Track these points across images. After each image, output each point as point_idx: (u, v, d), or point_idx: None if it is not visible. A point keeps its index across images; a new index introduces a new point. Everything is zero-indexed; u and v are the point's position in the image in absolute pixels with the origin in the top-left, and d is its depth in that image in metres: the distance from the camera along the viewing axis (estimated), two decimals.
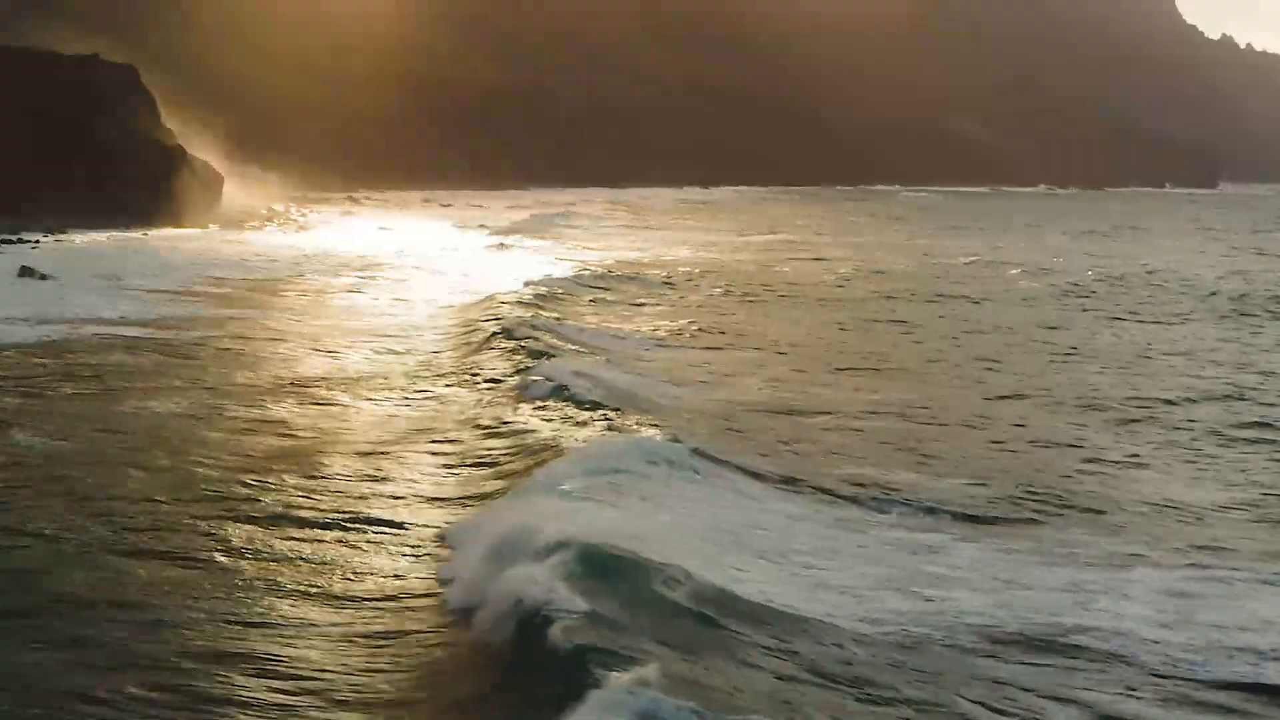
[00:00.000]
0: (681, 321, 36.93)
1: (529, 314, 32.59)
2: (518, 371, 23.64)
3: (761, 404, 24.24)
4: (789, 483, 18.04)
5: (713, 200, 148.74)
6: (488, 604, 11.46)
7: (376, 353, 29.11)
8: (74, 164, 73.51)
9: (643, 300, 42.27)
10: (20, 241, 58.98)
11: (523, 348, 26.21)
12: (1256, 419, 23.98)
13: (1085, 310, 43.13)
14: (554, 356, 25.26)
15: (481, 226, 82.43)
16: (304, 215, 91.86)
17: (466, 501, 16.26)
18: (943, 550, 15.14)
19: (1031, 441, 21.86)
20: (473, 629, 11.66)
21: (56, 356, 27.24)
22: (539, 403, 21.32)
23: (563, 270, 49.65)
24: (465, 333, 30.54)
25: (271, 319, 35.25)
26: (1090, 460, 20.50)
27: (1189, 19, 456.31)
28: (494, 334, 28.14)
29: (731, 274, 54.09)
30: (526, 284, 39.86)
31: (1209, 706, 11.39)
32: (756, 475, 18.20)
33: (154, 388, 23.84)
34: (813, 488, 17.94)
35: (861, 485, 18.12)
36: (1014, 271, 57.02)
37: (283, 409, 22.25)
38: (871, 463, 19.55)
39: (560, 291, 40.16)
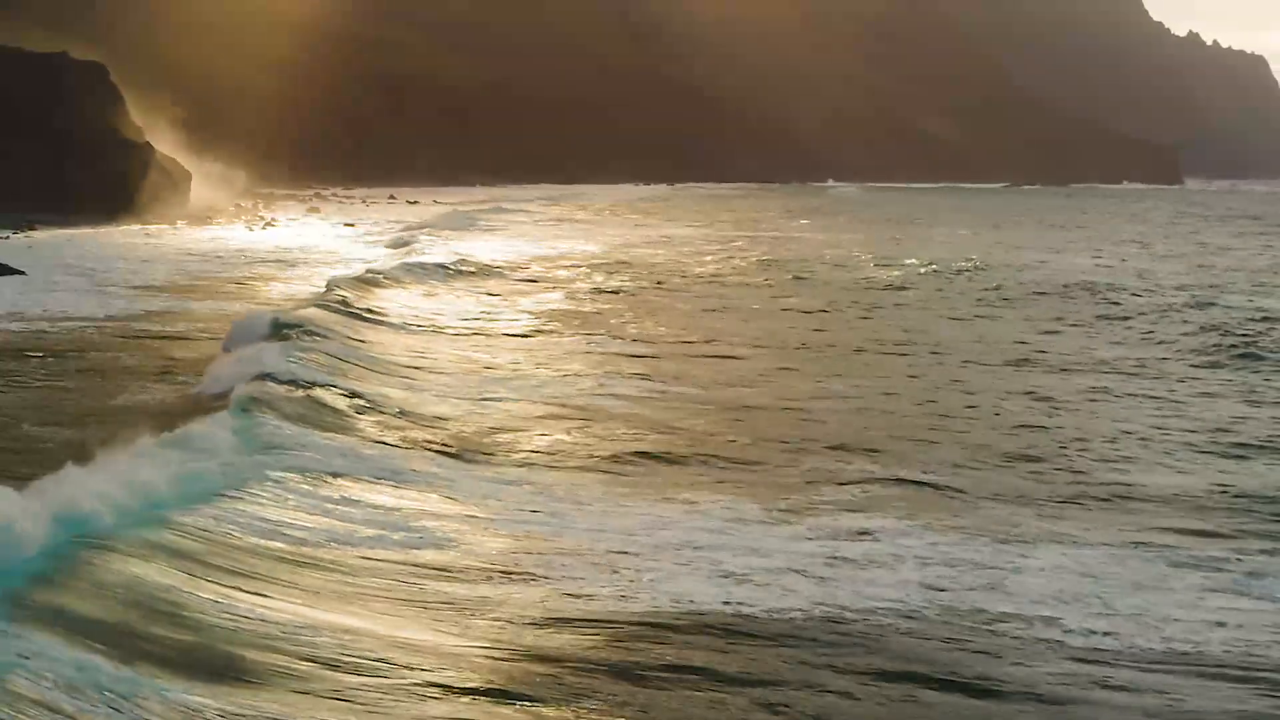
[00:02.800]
0: (522, 314, 36.72)
1: (333, 302, 32.59)
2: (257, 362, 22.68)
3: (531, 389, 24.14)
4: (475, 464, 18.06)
5: (664, 196, 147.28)
6: None
7: (205, 336, 30.27)
8: (42, 160, 74.11)
9: (493, 291, 42.40)
10: None
11: (287, 335, 25.66)
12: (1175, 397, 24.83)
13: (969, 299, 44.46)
14: (298, 344, 24.88)
15: (389, 222, 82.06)
16: (270, 212, 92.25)
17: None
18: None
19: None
20: None
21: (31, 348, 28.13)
22: (219, 401, 20.62)
23: (432, 259, 49.65)
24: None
25: (180, 310, 35.99)
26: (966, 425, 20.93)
27: (1156, 16, 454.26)
28: (274, 323, 27.40)
29: (620, 267, 54.03)
30: (334, 282, 38.07)
31: (1121, 685, 11.18)
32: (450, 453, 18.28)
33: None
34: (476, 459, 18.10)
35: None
36: (910, 261, 58.06)
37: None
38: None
39: (401, 280, 40.59)
